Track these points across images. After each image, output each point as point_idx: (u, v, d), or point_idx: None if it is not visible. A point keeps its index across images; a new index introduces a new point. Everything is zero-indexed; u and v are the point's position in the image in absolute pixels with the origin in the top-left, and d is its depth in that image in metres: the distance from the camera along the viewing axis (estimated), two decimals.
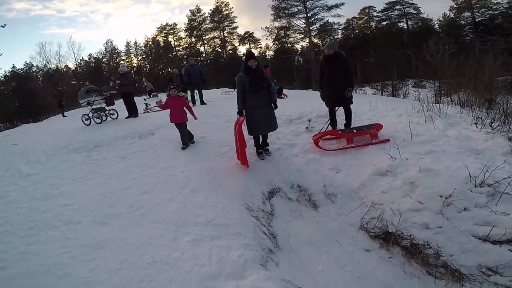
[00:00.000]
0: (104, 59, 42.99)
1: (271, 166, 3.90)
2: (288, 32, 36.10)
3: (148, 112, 9.03)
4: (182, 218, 2.87)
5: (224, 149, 4.48)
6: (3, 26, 26.87)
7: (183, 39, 43.83)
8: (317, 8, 32.90)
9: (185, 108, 4.67)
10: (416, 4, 35.43)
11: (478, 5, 31.22)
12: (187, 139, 4.72)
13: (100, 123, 7.12)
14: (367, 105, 5.65)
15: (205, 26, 42.60)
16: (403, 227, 2.61)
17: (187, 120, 4.68)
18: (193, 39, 43.15)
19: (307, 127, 4.91)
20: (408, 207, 2.66)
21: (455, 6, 33.37)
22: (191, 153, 4.46)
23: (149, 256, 2.41)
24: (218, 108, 7.60)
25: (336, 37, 36.08)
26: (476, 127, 3.71)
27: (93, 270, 2.32)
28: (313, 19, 33.57)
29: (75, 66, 39.90)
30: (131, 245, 2.56)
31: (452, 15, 34.21)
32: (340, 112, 4.66)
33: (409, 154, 3.31)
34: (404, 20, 36.62)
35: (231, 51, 42.81)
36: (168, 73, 31.16)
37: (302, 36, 35.48)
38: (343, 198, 3.31)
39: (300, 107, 6.13)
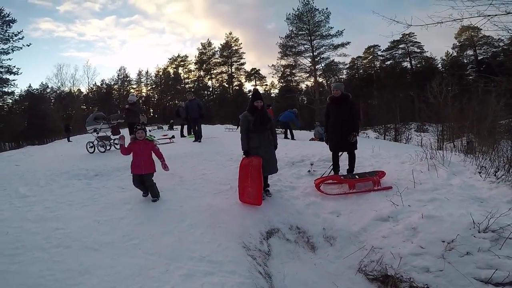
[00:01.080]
0: (116, 86, 44.11)
1: (271, 206, 3.87)
2: (294, 71, 36.07)
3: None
4: (176, 252, 2.81)
5: (224, 187, 4.45)
6: (28, 45, 28.63)
7: (192, 72, 45.01)
8: (323, 47, 32.92)
9: (153, 156, 3.95)
10: (420, 43, 36.38)
11: (480, 42, 31.96)
12: (155, 190, 3.94)
13: (104, 152, 7.20)
14: (369, 150, 5.70)
15: (214, 60, 43.46)
16: (403, 270, 2.60)
17: (154, 170, 3.95)
18: (201, 73, 44.16)
19: (309, 171, 4.90)
20: (409, 251, 2.68)
21: (457, 44, 34.10)
22: (191, 189, 4.42)
23: (138, 287, 2.34)
24: (220, 145, 7.71)
25: (341, 77, 36.15)
26: (480, 176, 3.71)
27: None
28: (319, 58, 33.48)
29: (87, 90, 40.92)
30: (120, 273, 2.49)
31: (455, 54, 34.84)
32: (343, 156, 4.68)
33: (412, 201, 3.35)
34: (408, 59, 37.36)
35: (237, 87, 43.66)
36: (175, 105, 31.78)
37: (308, 75, 35.40)
38: (342, 241, 3.29)
39: (302, 150, 6.19)
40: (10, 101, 32.93)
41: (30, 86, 37.52)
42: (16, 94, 32.39)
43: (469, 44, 32.99)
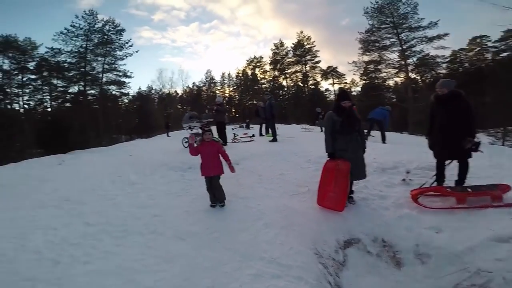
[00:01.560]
0: (204, 88, 48.72)
1: (354, 215, 3.60)
2: (379, 67, 33.02)
3: (236, 142, 9.82)
4: (250, 250, 2.88)
5: (302, 189, 4.39)
6: (136, 52, 34.13)
7: (267, 72, 45.80)
8: (414, 39, 29.17)
9: (221, 157, 3.88)
10: None
11: None
12: (222, 194, 3.90)
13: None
14: (485, 159, 4.64)
15: (287, 60, 43.27)
16: None
17: (222, 173, 3.89)
18: (276, 73, 44.51)
19: (404, 179, 4.34)
20: None
21: None
22: (268, 188, 4.51)
23: (210, 280, 2.45)
24: (298, 145, 7.66)
25: (439, 71, 31.34)
26: None
27: (157, 281, 2.46)
28: (409, 52, 29.82)
29: (182, 92, 46.59)
30: (199, 265, 2.66)
31: None
32: (451, 165, 3.94)
33: None
34: None
35: (312, 86, 42.61)
36: (253, 105, 33.10)
37: (396, 70, 31.95)
38: (438, 260, 2.83)
39: (395, 155, 5.54)
40: (126, 101, 39.68)
41: (139, 88, 44.61)
42: (130, 95, 38.42)
43: None
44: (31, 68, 31.05)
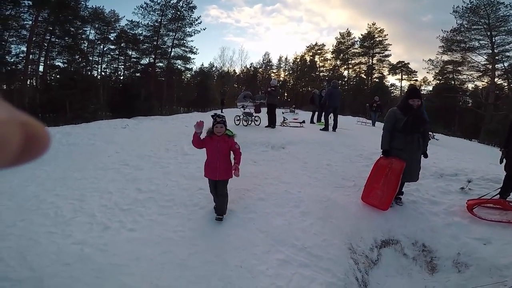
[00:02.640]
0: (260, 69, 49.12)
1: (398, 216, 3.44)
2: (459, 68, 30.18)
3: (284, 126, 9.81)
4: (283, 235, 2.90)
5: (347, 183, 4.25)
6: (204, 29, 35.52)
7: (328, 61, 44.39)
8: (511, 44, 25.90)
9: (231, 157, 3.15)
10: None
11: None
12: (224, 204, 3.20)
13: (246, 126, 8.40)
14: None
15: (352, 51, 41.47)
16: None
17: (231, 176, 3.13)
18: (338, 62, 42.98)
19: (463, 188, 3.93)
20: None
21: None
22: (312, 177, 4.46)
23: (239, 260, 2.52)
24: (351, 138, 7.32)
25: None
26: None
27: (191, 254, 2.60)
28: (501, 56, 26.67)
29: (240, 71, 47.38)
30: (231, 244, 2.74)
31: None
32: None
33: None
34: None
35: (377, 79, 39.88)
36: (309, 92, 32.26)
37: (480, 74, 28.84)
38: (476, 271, 2.69)
39: (458, 162, 5.00)
40: (189, 75, 41.79)
41: (202, 65, 47.24)
42: (193, 70, 40.22)
43: None
44: (112, 39, 34.43)
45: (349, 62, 41.99)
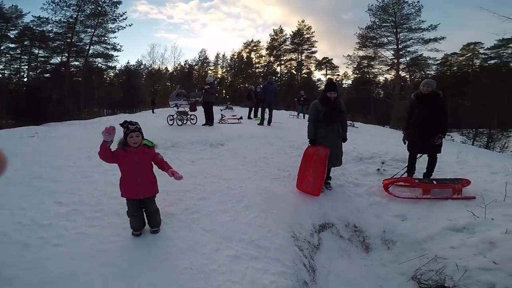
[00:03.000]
0: (196, 67, 47.94)
1: (329, 200, 3.77)
2: (372, 63, 34.39)
3: (222, 123, 9.78)
4: (229, 231, 2.89)
5: (283, 173, 4.49)
6: (130, 25, 33.13)
7: (263, 57, 45.98)
8: (411, 40, 30.46)
9: (153, 169, 2.70)
10: None
11: None
12: (158, 217, 2.76)
13: (181, 125, 8.05)
14: (454, 155, 4.94)
15: (284, 47, 43.72)
16: (464, 283, 2.38)
17: (157, 191, 2.76)
18: (272, 58, 44.79)
19: (378, 169, 4.55)
20: (478, 265, 2.44)
21: None
22: (252, 171, 4.57)
23: (188, 262, 2.42)
24: (284, 130, 7.73)
25: (428, 72, 32.72)
26: None
27: (134, 263, 2.40)
28: (404, 51, 31.18)
29: (173, 69, 45.68)
30: (176, 246, 2.61)
31: None
32: (420, 159, 4.19)
33: (497, 215, 2.93)
34: None
35: (305, 75, 43.11)
36: (246, 88, 32.92)
37: (388, 68, 33.33)
38: (402, 246, 3.07)
39: (373, 146, 5.76)
40: (112, 74, 38.19)
41: (128, 62, 43.37)
42: (117, 68, 37.06)
43: None
44: (12, 36, 29.43)
45: (282, 58, 44.10)
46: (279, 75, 44.31)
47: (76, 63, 31.15)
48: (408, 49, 30.96)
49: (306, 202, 3.66)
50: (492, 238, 2.58)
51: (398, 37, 30.40)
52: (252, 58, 46.57)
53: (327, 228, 3.42)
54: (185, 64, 47.41)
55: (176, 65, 45.60)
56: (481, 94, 23.90)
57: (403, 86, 29.77)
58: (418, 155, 4.17)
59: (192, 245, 2.64)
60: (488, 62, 32.71)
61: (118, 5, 30.78)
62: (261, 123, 8.89)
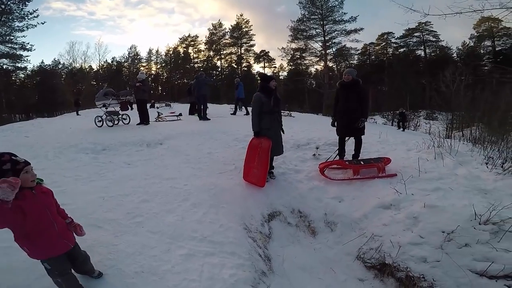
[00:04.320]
0: (126, 64, 44.48)
1: (274, 189, 3.89)
2: (304, 54, 36.45)
3: (160, 121, 9.21)
4: (178, 231, 2.81)
5: (229, 167, 4.48)
6: (43, 23, 29.25)
7: (202, 52, 45.03)
8: (336, 32, 33.16)
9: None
10: (436, 32, 35.34)
11: (500, 34, 30.84)
12: (90, 263, 2.17)
13: (112, 126, 7.29)
14: (376, 136, 5.62)
15: (224, 41, 43.57)
16: (401, 259, 2.62)
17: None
18: (211, 53, 44.17)
19: (314, 154, 4.89)
20: (408, 240, 2.69)
21: (475, 34, 32.94)
22: (196, 168, 4.45)
23: (138, 266, 2.34)
24: (227, 124, 7.69)
25: (351, 62, 36.41)
26: (487, 167, 3.63)
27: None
28: (330, 42, 33.69)
29: (98, 67, 41.68)
30: (122, 252, 2.49)
31: (472, 44, 33.68)
32: (349, 142, 4.63)
33: (415, 190, 3.31)
34: (422, 47, 36.46)
35: (245, 68, 43.61)
36: (184, 84, 31.71)
37: (318, 59, 35.78)
38: (343, 227, 3.30)
39: (309, 133, 6.15)
40: (22, 75, 33.99)
41: (42, 62, 38.84)
42: (28, 69, 33.30)
43: (488, 35, 31.61)
44: None
45: (221, 52, 43.76)
46: (219, 69, 44.02)
47: None
48: (334, 41, 33.90)
49: (254, 193, 3.72)
50: (414, 213, 2.89)
51: (324, 29, 32.71)
52: (190, 53, 45.24)
53: (275, 216, 3.52)
54: (112, 62, 43.35)
55: (102, 62, 41.40)
56: (395, 80, 27.92)
57: (331, 76, 32.27)
58: (346, 138, 4.61)
59: (139, 249, 2.53)
60: (399, 51, 37.85)
61: (27, 2, 27.73)
62: (203, 119, 8.70)
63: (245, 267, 2.45)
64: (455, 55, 34.74)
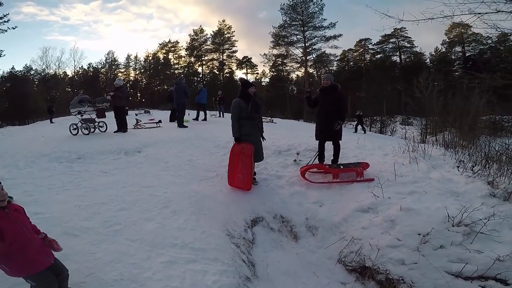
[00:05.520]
0: (103, 70, 43.24)
1: (256, 195, 3.90)
2: (285, 61, 36.80)
3: (138, 128, 8.97)
4: (159, 238, 2.77)
5: (210, 174, 4.44)
6: (14, 28, 27.89)
7: (182, 58, 44.48)
8: (316, 38, 33.67)
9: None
10: (410, 38, 36.72)
11: (469, 39, 32.42)
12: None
13: (88, 134, 7.00)
14: (355, 141, 5.79)
15: (205, 47, 43.20)
16: (380, 262, 2.68)
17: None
18: (192, 59, 43.71)
19: (295, 160, 4.94)
20: (387, 243, 2.76)
21: (447, 40, 34.45)
22: (176, 175, 4.37)
23: (118, 273, 2.29)
24: (207, 131, 7.63)
25: (331, 68, 37.20)
26: (458, 170, 3.80)
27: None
28: (310, 49, 34.18)
29: (73, 73, 40.21)
30: (100, 260, 2.43)
31: (443, 49, 35.28)
32: (328, 147, 4.73)
33: (392, 193, 3.41)
34: (397, 53, 37.79)
35: (228, 75, 43.46)
36: (164, 90, 31.12)
37: (299, 65, 36.28)
38: (324, 231, 3.36)
39: (290, 139, 6.22)
40: None
41: (13, 68, 36.97)
42: None
43: (458, 40, 33.37)
44: None
45: (203, 58, 43.34)
46: (201, 76, 43.58)
47: None
48: (314, 47, 34.37)
49: (236, 199, 3.72)
50: (391, 216, 2.98)
51: (305, 35, 33.22)
52: (170, 59, 44.59)
53: (258, 222, 3.53)
54: (88, 67, 41.96)
55: (78, 68, 40.00)
56: (372, 86, 28.86)
57: (311, 82, 32.78)
58: (326, 143, 4.71)
59: (118, 257, 2.49)
60: (376, 57, 39.16)
61: None
62: (185, 125, 8.57)
63: (228, 273, 2.44)
64: (428, 61, 36.27)
